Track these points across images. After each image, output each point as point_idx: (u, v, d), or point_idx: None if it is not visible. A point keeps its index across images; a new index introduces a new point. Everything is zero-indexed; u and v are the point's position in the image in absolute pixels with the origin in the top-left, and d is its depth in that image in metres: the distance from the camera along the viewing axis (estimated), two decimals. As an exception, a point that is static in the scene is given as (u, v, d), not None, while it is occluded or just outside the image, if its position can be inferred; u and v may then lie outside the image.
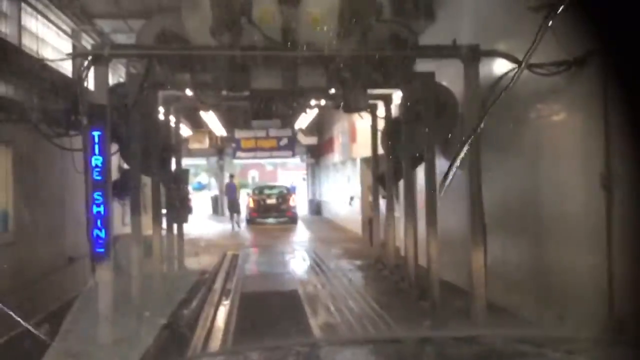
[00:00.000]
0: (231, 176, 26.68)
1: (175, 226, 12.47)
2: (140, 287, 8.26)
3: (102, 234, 6.41)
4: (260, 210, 25.12)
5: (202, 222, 24.69)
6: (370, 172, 18.35)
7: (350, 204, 22.44)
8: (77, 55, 6.75)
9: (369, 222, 16.62)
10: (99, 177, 6.46)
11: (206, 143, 28.53)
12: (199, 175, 47.45)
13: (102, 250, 6.39)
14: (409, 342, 2.40)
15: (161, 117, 11.49)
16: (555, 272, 7.11)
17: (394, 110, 11.87)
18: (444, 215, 9.02)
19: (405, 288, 10.04)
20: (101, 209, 6.43)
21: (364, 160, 19.73)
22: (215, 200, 31.70)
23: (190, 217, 25.66)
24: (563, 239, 7.06)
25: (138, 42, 7.72)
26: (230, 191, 24.68)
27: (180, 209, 11.65)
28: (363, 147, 18.80)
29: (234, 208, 23.65)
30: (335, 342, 2.89)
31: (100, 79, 6.80)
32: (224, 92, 9.71)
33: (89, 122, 6.43)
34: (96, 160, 6.47)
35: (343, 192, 23.70)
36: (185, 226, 14.11)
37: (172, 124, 12.52)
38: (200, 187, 45.45)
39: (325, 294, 10.19)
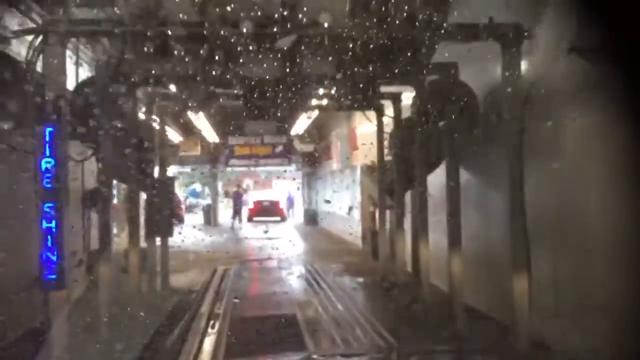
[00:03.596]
0: (238, 186, 30.62)
1: (159, 239, 11.22)
2: (110, 314, 6.95)
3: (54, 257, 5.11)
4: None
5: (193, 233, 23.35)
6: (371, 181, 17.27)
7: (349, 214, 21.21)
8: (24, 32, 5.51)
9: (372, 234, 15.38)
10: (49, 185, 5.18)
11: (198, 150, 27.20)
12: (194, 183, 46.08)
13: (53, 276, 5.09)
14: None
15: (143, 117, 10.24)
16: (610, 301, 5.85)
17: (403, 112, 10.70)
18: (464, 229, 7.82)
19: (419, 313, 8.76)
20: (52, 224, 5.13)
21: (365, 168, 18.53)
22: (208, 210, 30.37)
23: (181, 227, 24.60)
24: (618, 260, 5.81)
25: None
26: (237, 200, 28.74)
27: (163, 221, 10.35)
28: (364, 154, 17.62)
29: (238, 215, 28.05)
30: (330, 354, 2.93)
31: (55, 62, 5.52)
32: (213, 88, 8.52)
33: (39, 115, 5.14)
34: (47, 163, 5.19)
35: (341, 201, 22.52)
36: (174, 238, 12.92)
37: (156, 126, 11.24)
38: (195, 195, 44.14)
39: (328, 319, 8.88)
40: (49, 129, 5.20)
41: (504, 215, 6.95)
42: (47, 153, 5.19)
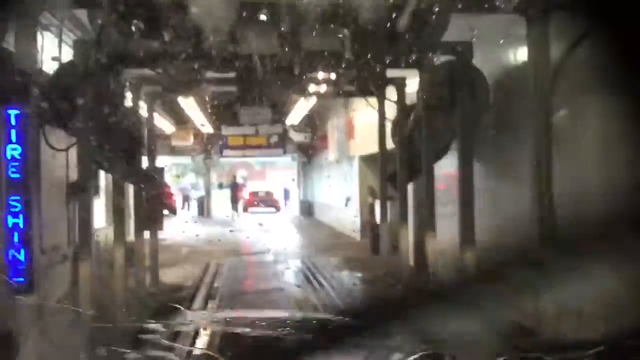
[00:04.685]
0: (234, 176, 30.61)
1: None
2: (90, 315, 6.34)
3: (22, 256, 4.48)
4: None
5: (186, 225, 22.73)
6: (370, 171, 16.69)
7: (346, 205, 20.66)
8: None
9: (372, 227, 14.82)
10: (16, 175, 4.55)
11: (190, 140, 26.48)
12: (187, 175, 45.39)
13: (20, 279, 4.47)
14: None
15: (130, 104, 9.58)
16: None
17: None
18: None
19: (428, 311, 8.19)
20: (20, 220, 4.50)
21: (363, 159, 17.95)
22: (202, 202, 29.77)
23: (173, 219, 24.01)
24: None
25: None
26: (236, 190, 28.94)
27: (152, 214, 9.74)
28: (362, 144, 17.02)
29: (235, 205, 28.15)
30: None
31: (24, 39, 4.88)
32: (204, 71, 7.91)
33: (3, 96, 4.51)
34: (13, 150, 4.56)
35: (338, 193, 21.96)
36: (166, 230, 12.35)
37: (144, 113, 10.59)
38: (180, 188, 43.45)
39: (328, 319, 8.31)
40: (14, 112, 4.58)
41: (519, 207, 6.45)
42: (13, 139, 4.57)
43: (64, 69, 7.17)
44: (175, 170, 38.40)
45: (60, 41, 9.11)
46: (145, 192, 9.44)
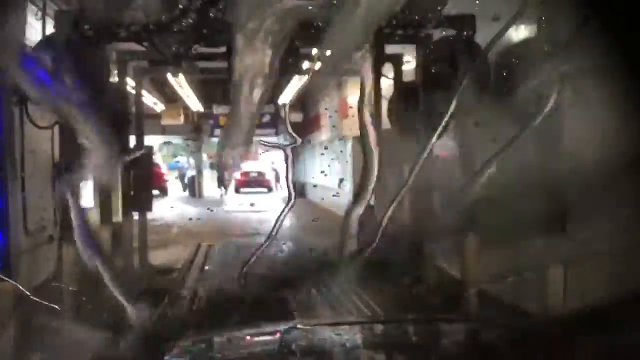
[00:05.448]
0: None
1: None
2: (72, 299, 6.11)
3: (-3, 239, 4.20)
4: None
5: (176, 205, 22.48)
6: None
7: (339, 186, 20.46)
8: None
9: (366, 208, 14.59)
10: (-11, 152, 4.24)
11: (181, 119, 26.08)
12: (177, 155, 45.09)
13: (-6, 263, 4.19)
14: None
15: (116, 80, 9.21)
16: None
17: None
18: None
19: (425, 296, 8.01)
20: (-6, 200, 4.21)
21: (357, 139, 17.72)
22: (192, 181, 29.51)
23: (164, 199, 23.75)
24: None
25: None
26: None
27: (140, 194, 9.44)
28: (356, 124, 16.79)
29: (224, 184, 27.43)
30: (318, 324, 2.91)
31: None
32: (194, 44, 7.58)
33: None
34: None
35: (331, 174, 21.74)
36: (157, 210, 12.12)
37: (131, 90, 10.22)
38: (178, 167, 43.20)
39: (322, 301, 8.15)
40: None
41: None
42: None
43: (45, 42, 6.85)
44: (167, 151, 38.13)
45: (44, 13, 8.75)
46: (132, 172, 9.14)
